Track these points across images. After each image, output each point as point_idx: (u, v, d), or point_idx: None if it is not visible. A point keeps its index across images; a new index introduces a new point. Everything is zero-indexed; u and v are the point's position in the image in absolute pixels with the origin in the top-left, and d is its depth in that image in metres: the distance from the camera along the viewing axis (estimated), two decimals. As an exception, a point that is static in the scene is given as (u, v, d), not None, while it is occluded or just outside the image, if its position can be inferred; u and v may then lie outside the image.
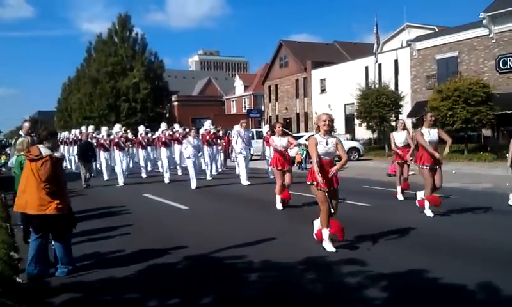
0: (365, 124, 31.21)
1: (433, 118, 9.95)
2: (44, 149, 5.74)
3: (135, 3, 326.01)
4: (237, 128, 19.54)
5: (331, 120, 7.07)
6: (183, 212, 11.19)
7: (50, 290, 5.54)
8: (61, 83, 79.63)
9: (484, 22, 29.55)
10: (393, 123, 31.74)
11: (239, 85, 70.67)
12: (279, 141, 10.91)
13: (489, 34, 29.82)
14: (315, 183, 6.74)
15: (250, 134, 18.37)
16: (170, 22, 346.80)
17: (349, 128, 40.16)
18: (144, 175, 19.96)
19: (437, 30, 38.06)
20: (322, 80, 45.58)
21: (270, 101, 54.84)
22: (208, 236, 8.22)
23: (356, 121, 33.51)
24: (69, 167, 25.33)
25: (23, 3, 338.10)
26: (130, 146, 19.80)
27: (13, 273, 6.03)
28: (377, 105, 29.36)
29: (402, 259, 6.35)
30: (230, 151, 21.73)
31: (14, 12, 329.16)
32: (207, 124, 19.93)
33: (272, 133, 11.43)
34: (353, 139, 35.63)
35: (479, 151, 25.18)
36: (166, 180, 17.57)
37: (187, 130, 23.73)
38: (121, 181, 17.08)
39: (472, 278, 5.33)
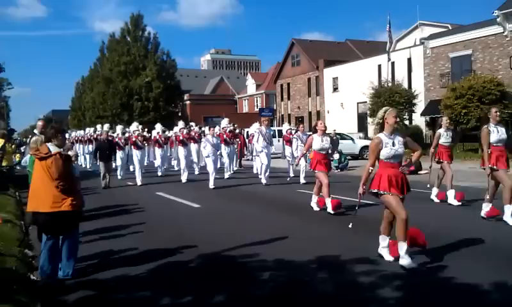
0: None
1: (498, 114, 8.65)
2: (53, 147, 5.76)
3: (146, 2, 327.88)
4: (255, 126, 19.44)
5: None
6: (196, 210, 11.22)
7: (64, 287, 5.58)
8: (75, 82, 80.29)
9: (498, 19, 29.24)
10: (406, 122, 31.60)
11: (250, 84, 70.69)
12: (320, 142, 10.18)
13: (503, 32, 29.49)
14: (383, 191, 6.06)
15: (272, 132, 17.73)
16: (182, 21, 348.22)
17: (362, 126, 39.98)
18: (160, 174, 19.85)
19: (450, 28, 37.71)
20: (335, 79, 45.41)
21: (282, 100, 54.78)
22: (221, 235, 8.24)
23: (369, 120, 33.35)
24: (83, 165, 25.55)
25: (36, 3, 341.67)
26: (146, 145, 19.54)
27: (27, 270, 6.09)
28: (390, 104, 29.08)
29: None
30: (244, 150, 21.38)
31: (27, 12, 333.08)
32: (224, 122, 19.47)
33: (314, 131, 10.53)
34: (366, 137, 35.47)
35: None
36: (184, 180, 17.19)
37: (203, 129, 23.72)
38: (139, 181, 16.63)
39: (485, 278, 5.27)
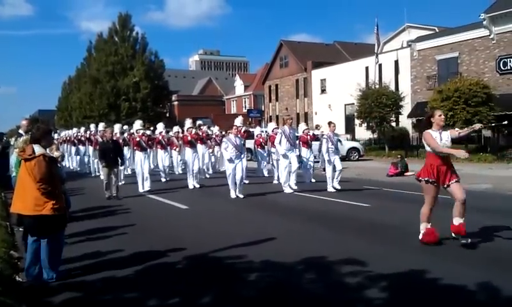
0: (365, 124, 31.27)
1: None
2: (38, 149, 5.63)
3: (134, 3, 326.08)
4: (271, 125, 18.48)
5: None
6: (184, 211, 11.18)
7: (50, 289, 5.52)
8: (62, 82, 79.67)
9: (484, 22, 29.57)
10: (393, 123, 31.81)
11: (239, 85, 70.69)
12: (440, 137, 6.95)
13: (489, 35, 29.83)
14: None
15: (296, 133, 15.49)
16: (169, 21, 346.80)
17: (349, 128, 40.18)
18: (163, 180, 17.82)
19: (437, 31, 38.07)
20: (323, 81, 45.59)
21: (270, 101, 54.85)
22: (208, 237, 8.22)
23: (356, 122, 33.57)
24: (71, 166, 25.19)
25: (22, 2, 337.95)
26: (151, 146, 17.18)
27: (12, 272, 6.02)
28: (377, 106, 29.40)
29: (402, 259, 6.34)
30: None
31: (13, 10, 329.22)
32: (238, 121, 17.12)
33: (429, 125, 7.06)
34: (353, 139, 35.67)
35: (479, 151, 25.18)
36: (190, 186, 15.39)
37: (212, 128, 22.77)
38: (146, 186, 14.70)
39: (471, 279, 5.32)
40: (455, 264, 6.11)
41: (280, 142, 14.01)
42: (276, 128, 17.67)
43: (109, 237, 8.24)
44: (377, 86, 32.71)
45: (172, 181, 17.37)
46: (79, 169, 23.99)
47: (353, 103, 33.88)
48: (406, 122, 33.61)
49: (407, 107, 32.26)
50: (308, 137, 15.95)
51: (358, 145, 29.58)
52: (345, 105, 40.78)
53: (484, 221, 9.06)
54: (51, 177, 5.64)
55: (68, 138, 26.64)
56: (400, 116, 31.97)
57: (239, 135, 14.00)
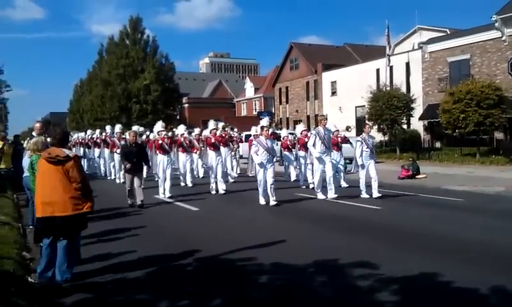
0: (376, 127, 31.10)
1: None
2: (67, 151, 5.76)
3: (144, 6, 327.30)
4: (300, 127, 17.21)
5: None
6: (196, 214, 11.19)
7: (62, 290, 5.56)
8: (73, 85, 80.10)
9: (496, 24, 29.33)
10: (404, 126, 31.65)
11: (249, 87, 70.72)
12: None
13: (501, 37, 29.59)
14: None
15: (331, 135, 14.25)
16: (179, 24, 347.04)
17: (360, 130, 39.98)
18: (183, 184, 16.85)
19: (449, 32, 37.81)
20: (333, 83, 45.46)
21: (280, 103, 54.80)
22: (217, 238, 8.24)
23: (367, 124, 33.38)
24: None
25: (33, 4, 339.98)
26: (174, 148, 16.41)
27: (24, 273, 6.07)
28: (388, 108, 29.22)
29: (412, 262, 6.31)
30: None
31: (24, 14, 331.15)
32: (265, 121, 15.55)
33: None
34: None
35: (491, 154, 25.00)
36: (214, 191, 14.44)
37: (235, 129, 21.97)
38: (167, 192, 13.74)
39: (483, 282, 5.27)
40: (467, 267, 6.07)
41: (314, 145, 12.85)
42: (305, 130, 16.83)
43: (120, 239, 8.28)
44: (388, 88, 32.54)
45: (195, 186, 16.52)
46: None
47: (364, 106, 33.73)
48: (417, 124, 33.42)
49: (418, 109, 32.03)
50: (339, 139, 15.36)
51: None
52: (356, 107, 40.62)
53: (496, 224, 9.00)
54: (85, 177, 5.89)
55: (80, 140, 26.30)
56: (411, 118, 31.73)
57: (272, 138, 13.00)
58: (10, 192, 13.88)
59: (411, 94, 31.89)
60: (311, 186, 14.70)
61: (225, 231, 8.96)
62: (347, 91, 42.33)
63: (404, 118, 30.61)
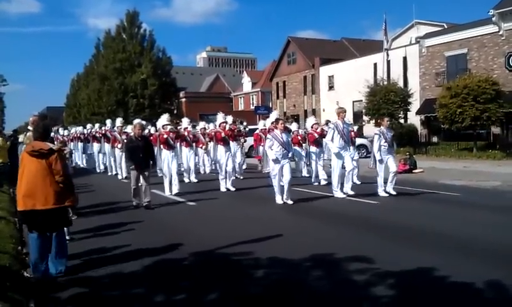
0: (373, 121, 31.10)
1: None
2: (51, 145, 5.74)
3: (140, 0, 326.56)
4: (310, 120, 16.24)
5: None
6: (190, 207, 11.18)
7: (58, 284, 5.55)
8: (70, 79, 79.88)
9: (493, 19, 29.34)
10: (401, 120, 31.67)
11: (246, 82, 70.61)
12: None
13: (498, 31, 29.59)
14: None
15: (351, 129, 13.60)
16: (176, 18, 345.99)
17: (357, 125, 40.01)
18: (187, 180, 16.05)
19: (446, 27, 37.76)
20: (330, 77, 45.44)
21: (278, 98, 54.75)
22: (215, 233, 8.23)
23: (365, 118, 33.40)
24: (79, 163, 25.01)
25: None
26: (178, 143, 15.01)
27: (20, 267, 6.06)
28: (385, 102, 29.25)
29: (409, 257, 6.31)
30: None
31: (20, 7, 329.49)
32: (274, 115, 15.21)
33: None
34: (361, 136, 35.50)
35: (488, 149, 25.05)
36: (223, 188, 13.65)
37: (245, 123, 21.09)
38: (175, 189, 13.04)
39: (480, 277, 5.28)
40: (464, 262, 6.08)
41: (332, 139, 12.01)
42: (316, 123, 15.83)
43: (116, 233, 8.27)
44: (385, 83, 32.54)
45: (200, 182, 16.04)
46: (86, 166, 23.95)
47: (361, 100, 33.76)
48: (414, 119, 33.43)
49: (415, 103, 32.06)
50: (352, 133, 14.58)
51: (366, 142, 29.44)
52: (353, 101, 40.60)
53: (493, 219, 9.02)
54: (68, 171, 5.92)
55: (79, 135, 25.65)
56: (408, 112, 31.79)
57: (287, 132, 12.31)
58: (6, 187, 13.85)
59: (408, 89, 31.93)
60: (322, 183, 14.33)
61: (225, 228, 8.91)
62: (344, 86, 42.32)
63: (401, 113, 30.65)
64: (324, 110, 45.58)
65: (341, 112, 12.38)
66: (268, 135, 12.06)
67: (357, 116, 40.18)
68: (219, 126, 14.53)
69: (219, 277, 5.78)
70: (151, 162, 11.00)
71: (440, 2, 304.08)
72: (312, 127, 15.54)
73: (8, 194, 12.90)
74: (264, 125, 18.62)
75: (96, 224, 8.93)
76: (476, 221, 8.87)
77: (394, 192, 11.91)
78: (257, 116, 49.98)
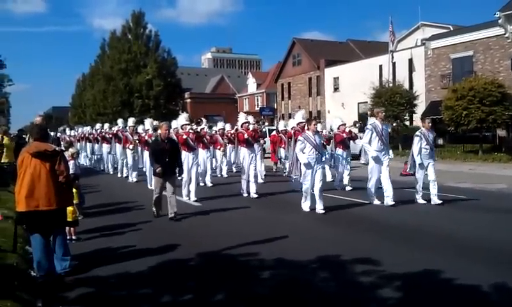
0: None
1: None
2: (53, 146, 5.81)
3: (145, 0, 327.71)
4: (337, 121, 15.20)
5: None
6: (202, 210, 11.17)
7: (65, 284, 5.59)
8: (75, 79, 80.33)
9: (499, 21, 29.21)
10: (407, 122, 31.61)
11: (251, 83, 70.64)
12: None
13: (504, 34, 29.47)
14: None
15: (389, 130, 12.45)
16: (181, 18, 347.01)
17: (362, 127, 39.93)
18: (202, 183, 15.08)
19: (452, 29, 37.70)
20: (336, 79, 45.39)
21: (283, 99, 54.74)
22: (222, 234, 8.25)
23: (370, 120, 33.33)
24: (86, 164, 24.71)
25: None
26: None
27: (28, 267, 6.09)
28: (391, 104, 29.18)
29: (415, 258, 6.31)
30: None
31: (26, 7, 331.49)
32: (299, 115, 14.51)
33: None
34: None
35: (493, 151, 24.98)
36: (245, 193, 12.73)
37: (266, 123, 20.30)
38: (192, 196, 12.08)
39: (485, 279, 5.28)
40: (469, 264, 6.07)
41: (369, 142, 11.12)
42: (342, 125, 14.71)
43: (123, 234, 8.30)
44: (390, 85, 32.51)
45: (217, 186, 15.46)
46: (91, 166, 23.91)
47: (366, 102, 33.69)
48: (420, 121, 33.32)
49: (421, 106, 32.00)
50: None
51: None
52: (359, 103, 40.54)
53: (498, 221, 9.00)
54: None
55: (87, 135, 24.87)
56: (414, 115, 31.74)
57: (319, 134, 11.48)
58: (13, 186, 13.88)
59: (413, 91, 31.88)
60: (347, 188, 13.63)
61: (231, 228, 8.93)
62: (349, 87, 42.27)
63: (407, 115, 30.58)
64: (329, 112, 45.53)
65: (379, 112, 11.56)
66: (300, 137, 10.96)
67: (362, 118, 40.10)
68: (241, 127, 13.69)
69: (225, 277, 5.80)
70: (177, 169, 9.91)
71: (445, 4, 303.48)
72: (338, 128, 14.58)
73: (14, 194, 12.92)
74: (285, 126, 18.13)
75: (103, 224, 8.96)
76: (482, 224, 8.85)
77: (439, 201, 10.85)
78: (262, 117, 50.01)
